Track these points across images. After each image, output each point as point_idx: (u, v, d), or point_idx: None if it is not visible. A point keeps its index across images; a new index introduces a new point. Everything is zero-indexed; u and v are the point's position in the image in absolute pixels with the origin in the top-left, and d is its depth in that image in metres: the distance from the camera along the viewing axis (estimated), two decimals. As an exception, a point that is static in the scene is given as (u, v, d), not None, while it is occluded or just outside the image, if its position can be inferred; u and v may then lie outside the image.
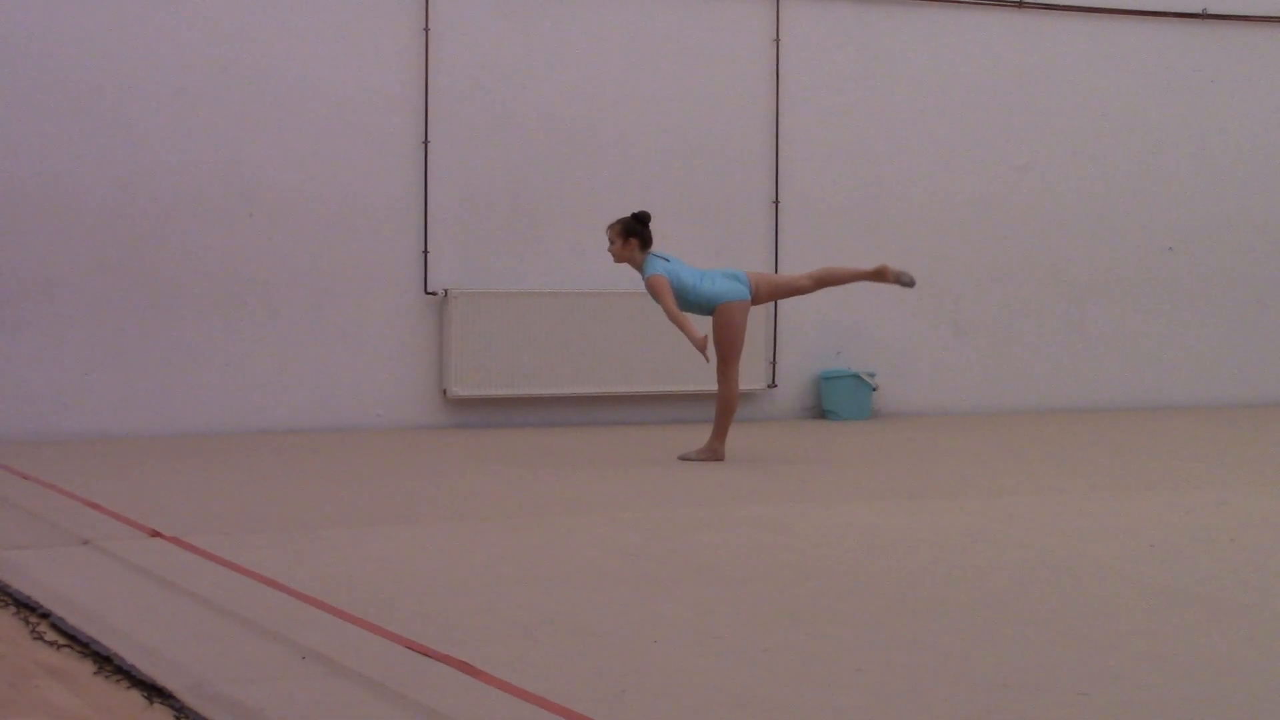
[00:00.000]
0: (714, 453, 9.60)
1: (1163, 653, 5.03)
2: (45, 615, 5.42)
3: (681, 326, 9.34)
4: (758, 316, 11.70)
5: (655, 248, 9.65)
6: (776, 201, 11.96)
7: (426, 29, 11.22)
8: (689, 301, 9.54)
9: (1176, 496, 8.42)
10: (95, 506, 7.62)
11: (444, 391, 11.29)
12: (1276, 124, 13.26)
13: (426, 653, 4.86)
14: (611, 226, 9.62)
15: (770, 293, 9.82)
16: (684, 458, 9.64)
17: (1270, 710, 4.43)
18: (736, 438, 10.11)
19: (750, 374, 11.69)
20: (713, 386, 9.98)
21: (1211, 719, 4.32)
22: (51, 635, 5.21)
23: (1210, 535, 7.20)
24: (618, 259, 9.62)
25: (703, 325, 9.71)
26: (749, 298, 9.56)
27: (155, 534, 6.87)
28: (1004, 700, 4.48)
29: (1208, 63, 13.03)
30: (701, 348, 9.23)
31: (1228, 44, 13.06)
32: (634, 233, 9.58)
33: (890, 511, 7.81)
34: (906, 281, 9.54)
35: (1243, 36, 13.10)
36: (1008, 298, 12.64)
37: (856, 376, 11.98)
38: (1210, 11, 12.97)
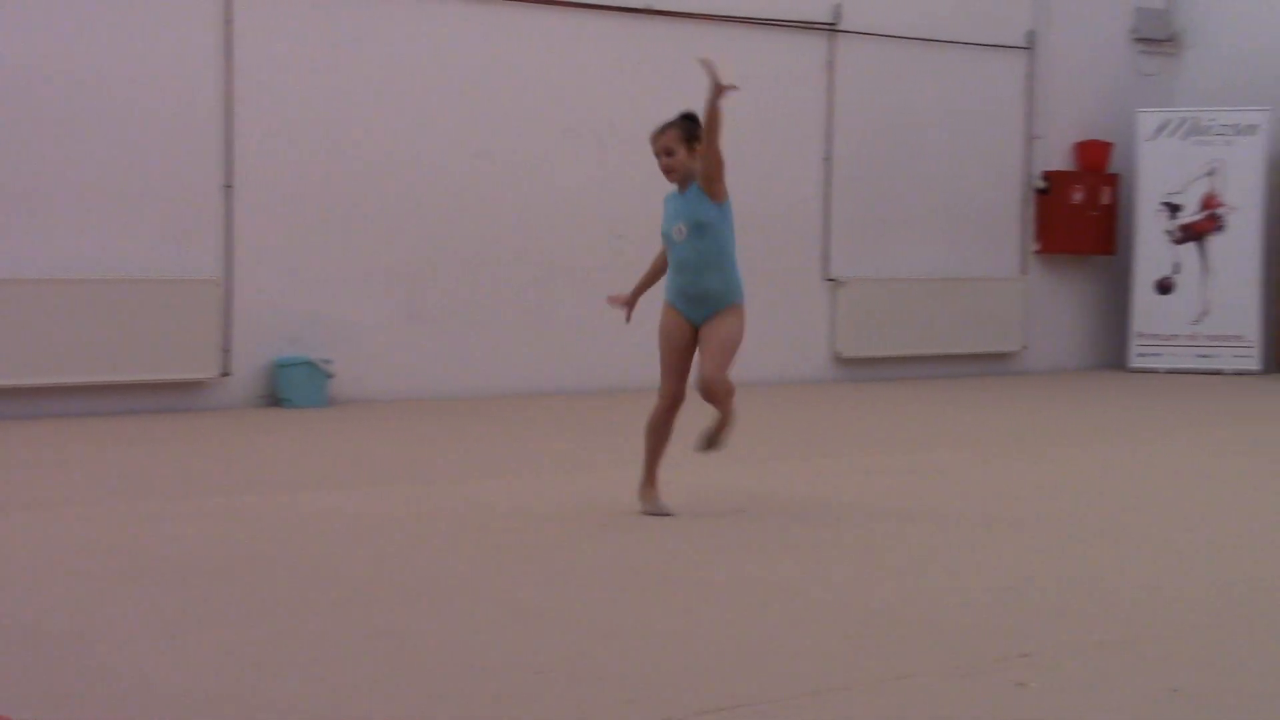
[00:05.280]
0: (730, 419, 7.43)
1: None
2: None
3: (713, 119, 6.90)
4: (208, 302, 11.48)
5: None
6: (229, 186, 11.67)
7: None
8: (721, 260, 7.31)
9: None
10: None
11: None
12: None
13: None
14: (666, 133, 7.11)
15: None
16: (709, 446, 7.41)
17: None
18: (185, 430, 9.88)
19: (200, 362, 11.38)
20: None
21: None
22: None
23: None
24: (678, 172, 7.14)
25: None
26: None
27: None
28: (468, 682, 4.53)
29: (655, 54, 13.47)
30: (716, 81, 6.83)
31: (670, 37, 13.55)
32: (696, 137, 7.10)
33: (342, 498, 7.77)
34: None
35: (683, 31, 13.60)
36: (466, 284, 12.74)
37: (311, 363, 11.84)
38: (653, 8, 13.46)
